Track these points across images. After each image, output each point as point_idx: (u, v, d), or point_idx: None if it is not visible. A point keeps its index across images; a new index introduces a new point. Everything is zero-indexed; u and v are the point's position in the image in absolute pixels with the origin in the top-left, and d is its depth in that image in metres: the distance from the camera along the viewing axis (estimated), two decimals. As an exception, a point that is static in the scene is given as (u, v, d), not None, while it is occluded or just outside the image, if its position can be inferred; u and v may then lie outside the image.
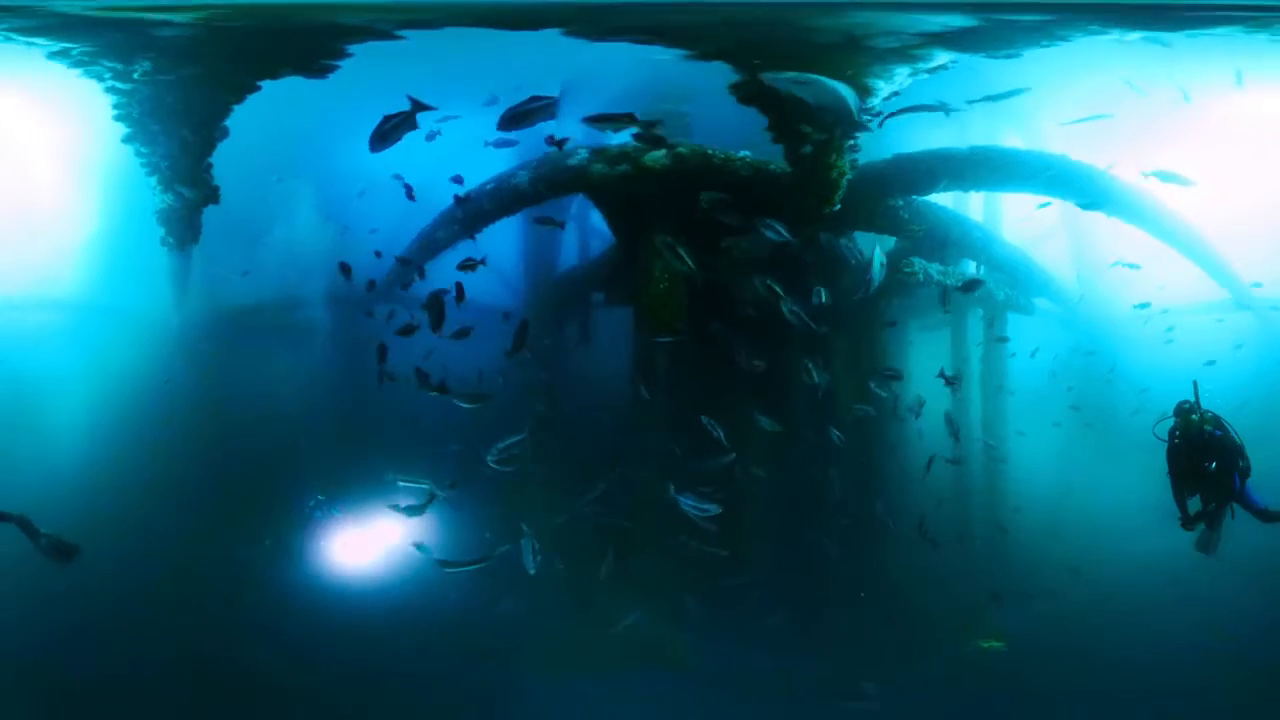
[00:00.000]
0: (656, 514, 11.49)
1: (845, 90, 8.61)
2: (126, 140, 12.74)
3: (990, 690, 11.06)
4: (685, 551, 11.30)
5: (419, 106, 8.90)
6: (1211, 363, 12.18)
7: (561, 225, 12.87)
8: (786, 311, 10.21)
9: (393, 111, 9.68)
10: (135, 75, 11.87)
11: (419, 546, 11.45)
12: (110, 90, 12.21)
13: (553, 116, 9.03)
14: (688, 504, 10.12)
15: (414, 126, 8.95)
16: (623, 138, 11.76)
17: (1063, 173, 12.10)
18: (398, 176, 12.12)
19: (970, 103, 10.60)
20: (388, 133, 8.87)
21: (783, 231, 10.17)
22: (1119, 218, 12.56)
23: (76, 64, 11.73)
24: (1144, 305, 12.96)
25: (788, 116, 10.39)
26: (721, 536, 10.63)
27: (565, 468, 11.99)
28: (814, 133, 10.47)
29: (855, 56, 10.33)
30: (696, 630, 11.89)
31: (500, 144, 9.90)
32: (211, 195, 13.18)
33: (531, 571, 10.73)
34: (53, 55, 11.55)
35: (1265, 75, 11.81)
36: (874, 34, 10.18)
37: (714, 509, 10.03)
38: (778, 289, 10.42)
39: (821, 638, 11.82)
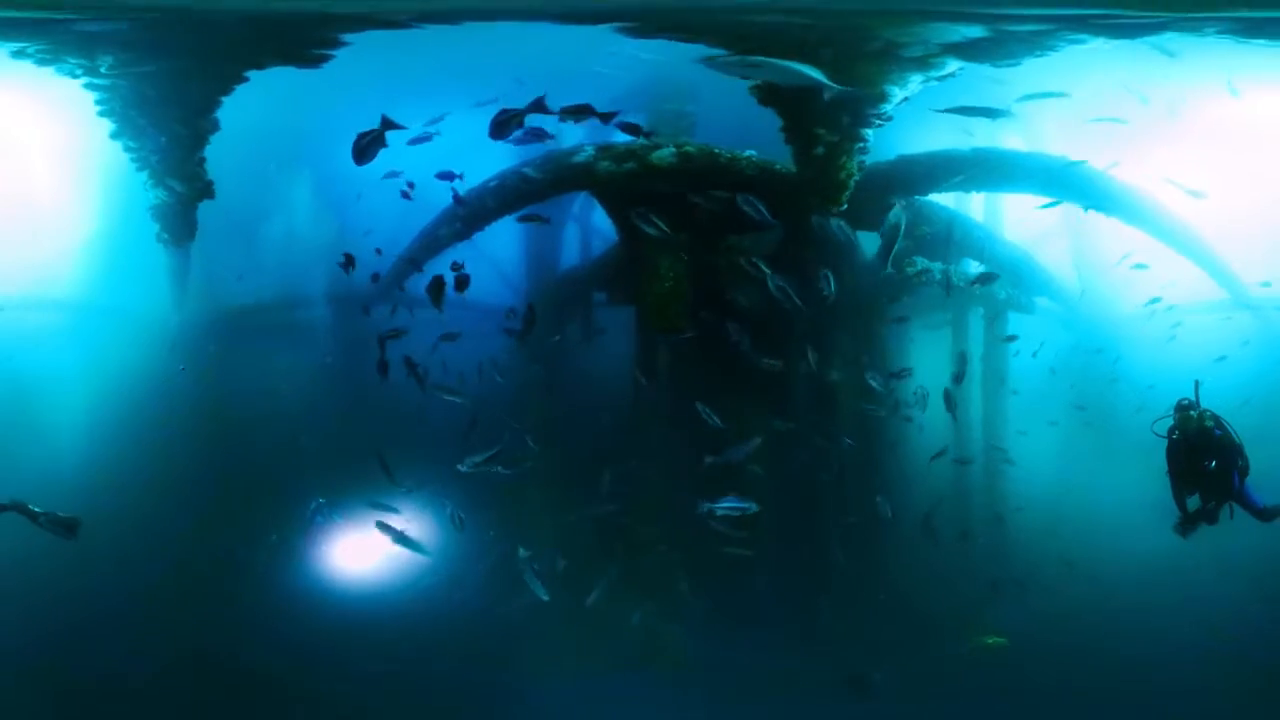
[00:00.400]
0: (662, 513, 11.93)
1: (803, 66, 8.93)
2: (114, 136, 12.85)
3: (989, 688, 11.34)
4: (692, 550, 11.71)
5: (388, 125, 9.36)
6: (1223, 358, 12.58)
7: (547, 221, 13.14)
8: (774, 288, 10.41)
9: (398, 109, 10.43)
10: (101, 70, 11.94)
11: (406, 541, 11.66)
12: (89, 86, 12.31)
13: (521, 126, 9.50)
14: (725, 506, 10.38)
15: (385, 144, 9.45)
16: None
17: (1066, 174, 12.56)
18: (391, 175, 12.41)
19: (1016, 102, 11.00)
20: (364, 149, 9.42)
21: (762, 210, 10.49)
22: (1122, 218, 13.02)
23: (41, 62, 11.80)
24: (1155, 300, 13.22)
25: (803, 118, 10.85)
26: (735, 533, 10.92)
27: (570, 468, 12.28)
28: (827, 134, 10.94)
29: (885, 65, 10.79)
30: (698, 628, 12.26)
31: (521, 141, 10.29)
32: (205, 190, 13.41)
33: (545, 598, 10.97)
34: (15, 55, 11.64)
35: (1259, 76, 12.24)
36: (910, 43, 10.63)
37: (753, 507, 10.20)
38: (764, 267, 10.63)
39: (824, 635, 12.14)
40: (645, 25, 10.73)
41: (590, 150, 12.24)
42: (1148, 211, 12.97)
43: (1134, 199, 12.88)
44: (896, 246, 9.14)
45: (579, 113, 9.75)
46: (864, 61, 10.65)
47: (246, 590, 11.94)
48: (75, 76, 12.11)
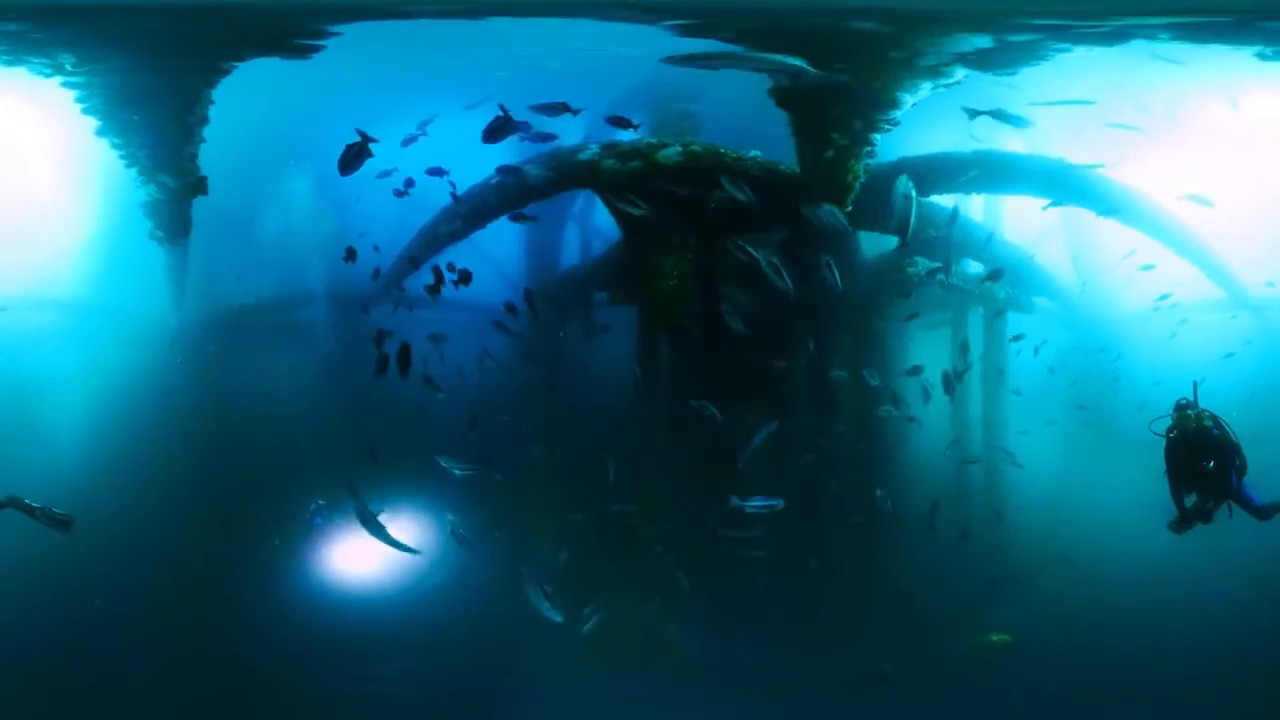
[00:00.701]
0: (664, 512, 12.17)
1: (782, 56, 9.28)
2: (100, 133, 12.90)
3: (992, 688, 11.59)
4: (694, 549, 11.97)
5: (366, 139, 9.84)
6: (1231, 355, 13.02)
7: (535, 219, 13.35)
8: (765, 265, 10.52)
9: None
10: (66, 68, 12.01)
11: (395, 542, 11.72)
12: (66, 85, 12.33)
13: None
14: (755, 504, 10.71)
15: (370, 155, 9.90)
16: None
17: (1064, 176, 12.96)
18: (385, 174, 12.64)
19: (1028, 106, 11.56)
20: (349, 162, 9.88)
21: (747, 190, 10.71)
22: (1125, 221, 13.40)
23: (8, 64, 11.83)
24: (1165, 296, 13.53)
25: (818, 121, 11.25)
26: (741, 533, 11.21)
27: (573, 466, 12.49)
28: (839, 138, 11.36)
29: (902, 72, 11.31)
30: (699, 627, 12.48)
31: (539, 138, 10.58)
32: (198, 185, 13.47)
33: (558, 619, 11.13)
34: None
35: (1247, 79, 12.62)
36: (930, 52, 11.11)
37: (780, 503, 10.62)
38: (750, 249, 10.76)
39: (824, 634, 12.39)
40: (704, 24, 11.02)
41: (595, 148, 12.49)
42: (1148, 213, 13.33)
43: (1134, 201, 13.24)
44: (912, 219, 9.33)
45: (552, 109, 10.15)
46: (890, 68, 11.15)
47: (245, 590, 12.05)
48: (47, 75, 12.15)
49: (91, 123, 12.84)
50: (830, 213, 10.82)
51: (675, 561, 12.26)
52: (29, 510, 9.91)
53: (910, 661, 11.67)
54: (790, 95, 11.09)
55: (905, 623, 12.08)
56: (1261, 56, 11.76)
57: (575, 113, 10.38)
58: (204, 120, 13.09)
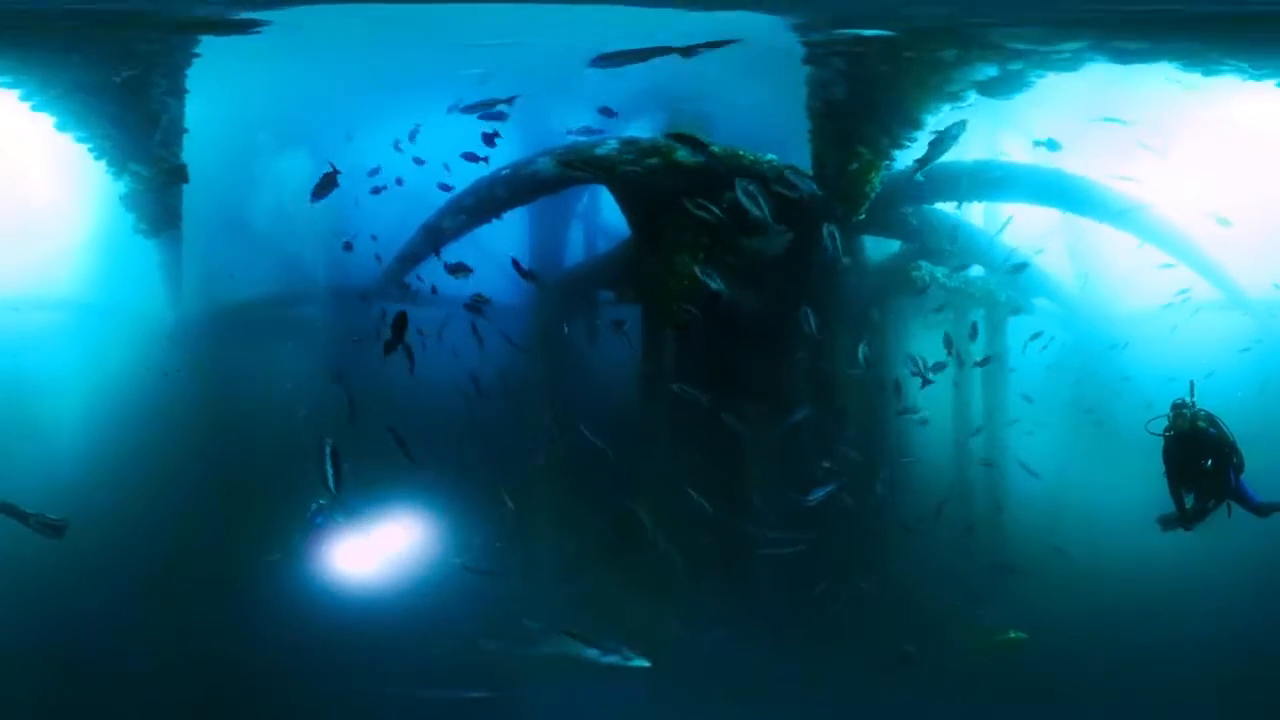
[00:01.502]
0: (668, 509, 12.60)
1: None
2: (60, 128, 12.95)
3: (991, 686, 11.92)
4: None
5: (335, 171, 10.65)
6: (1246, 349, 13.72)
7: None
8: (741, 193, 10.88)
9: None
10: None
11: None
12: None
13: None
14: (814, 495, 11.29)
15: (336, 185, 10.62)
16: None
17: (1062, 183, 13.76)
18: (374, 171, 12.89)
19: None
20: (320, 190, 10.65)
21: (703, 144, 11.51)
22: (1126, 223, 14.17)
23: None
24: (1184, 291, 14.11)
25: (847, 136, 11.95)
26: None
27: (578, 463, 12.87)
28: (866, 153, 12.08)
29: (927, 95, 12.21)
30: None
31: (583, 132, 10.93)
32: (176, 173, 13.51)
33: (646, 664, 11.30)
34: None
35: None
36: (955, 79, 12.07)
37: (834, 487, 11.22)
38: (716, 209, 11.38)
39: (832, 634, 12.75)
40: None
41: (613, 143, 12.79)
42: (1149, 218, 14.09)
43: (1136, 207, 13.96)
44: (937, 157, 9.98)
45: (486, 105, 10.62)
46: (921, 90, 12.02)
47: (246, 590, 12.19)
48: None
49: (48, 118, 12.87)
50: (796, 174, 11.53)
51: (690, 561, 12.63)
52: (22, 516, 10.10)
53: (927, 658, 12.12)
54: (828, 109, 11.79)
55: (920, 618, 12.52)
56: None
57: (509, 101, 10.84)
58: (167, 106, 13.16)
